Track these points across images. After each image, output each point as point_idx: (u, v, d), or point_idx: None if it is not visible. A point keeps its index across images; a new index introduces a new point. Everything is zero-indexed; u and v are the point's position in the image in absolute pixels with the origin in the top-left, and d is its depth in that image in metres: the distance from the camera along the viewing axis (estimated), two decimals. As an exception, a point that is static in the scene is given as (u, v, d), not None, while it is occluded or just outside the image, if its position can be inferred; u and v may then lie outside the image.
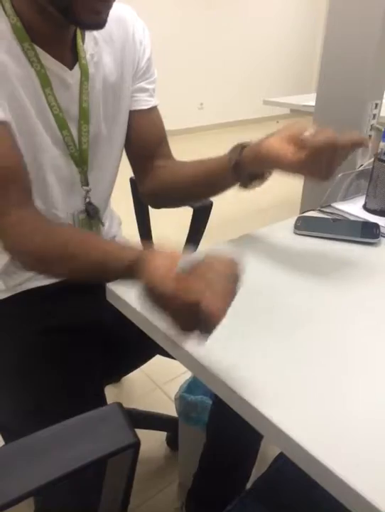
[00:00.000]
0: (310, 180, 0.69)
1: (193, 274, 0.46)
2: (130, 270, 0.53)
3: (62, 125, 0.75)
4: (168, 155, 0.92)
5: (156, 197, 0.94)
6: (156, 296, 0.48)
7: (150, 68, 0.86)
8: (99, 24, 0.67)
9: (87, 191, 0.84)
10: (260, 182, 0.77)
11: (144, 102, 0.86)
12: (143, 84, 0.85)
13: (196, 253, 0.50)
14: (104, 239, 0.63)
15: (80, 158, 0.80)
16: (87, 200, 0.84)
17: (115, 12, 0.79)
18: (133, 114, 0.86)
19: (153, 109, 0.88)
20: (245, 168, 0.73)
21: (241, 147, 0.74)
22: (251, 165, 0.72)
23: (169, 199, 0.93)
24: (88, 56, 0.76)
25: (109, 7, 0.66)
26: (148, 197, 0.96)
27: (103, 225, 0.90)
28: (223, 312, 0.43)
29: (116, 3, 0.80)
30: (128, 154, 0.91)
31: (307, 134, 0.65)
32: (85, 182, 0.83)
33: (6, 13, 0.66)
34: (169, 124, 0.97)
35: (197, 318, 0.43)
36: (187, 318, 0.46)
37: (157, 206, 0.98)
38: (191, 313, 0.44)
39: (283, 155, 0.65)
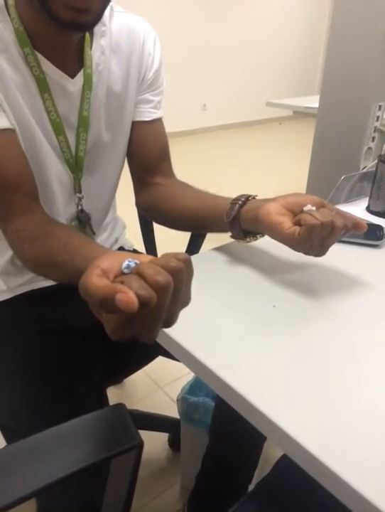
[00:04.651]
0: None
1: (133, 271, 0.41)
2: None
3: (58, 130, 0.75)
4: (168, 173, 0.90)
5: (147, 212, 0.94)
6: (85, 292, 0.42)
7: (158, 80, 0.86)
8: (80, 24, 0.63)
9: (80, 198, 0.83)
10: (253, 239, 0.74)
11: (147, 114, 0.85)
12: (147, 96, 0.85)
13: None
14: (91, 244, 0.61)
15: (75, 164, 0.80)
16: (80, 207, 0.84)
17: (127, 22, 0.79)
18: (135, 124, 0.85)
19: (156, 122, 0.87)
20: (240, 226, 0.71)
21: (242, 201, 0.71)
22: (248, 226, 0.70)
23: (159, 219, 0.92)
24: (93, 64, 0.75)
25: (89, 4, 0.61)
26: (140, 208, 0.97)
27: (94, 233, 0.89)
28: (136, 303, 0.36)
29: (130, 15, 0.80)
30: (128, 164, 0.91)
31: (307, 208, 0.62)
32: (78, 189, 0.83)
33: (10, 16, 0.67)
34: (172, 126, 0.97)
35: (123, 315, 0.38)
36: (111, 315, 0.40)
37: (149, 218, 0.98)
38: (111, 308, 0.37)
39: (278, 226, 0.62)
